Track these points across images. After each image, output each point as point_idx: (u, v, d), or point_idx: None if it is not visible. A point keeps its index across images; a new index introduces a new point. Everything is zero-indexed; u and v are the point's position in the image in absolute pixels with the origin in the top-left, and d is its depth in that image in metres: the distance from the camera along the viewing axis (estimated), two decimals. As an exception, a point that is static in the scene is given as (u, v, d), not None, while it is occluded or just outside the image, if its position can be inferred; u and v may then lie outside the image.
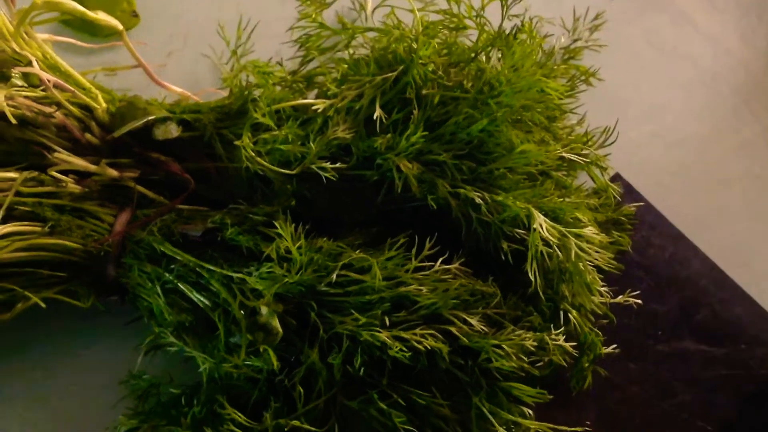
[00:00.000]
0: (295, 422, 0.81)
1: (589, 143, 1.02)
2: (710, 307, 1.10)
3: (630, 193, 1.13)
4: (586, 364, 0.97)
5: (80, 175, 0.92)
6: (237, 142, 0.85)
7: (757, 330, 1.09)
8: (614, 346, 1.00)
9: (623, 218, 1.07)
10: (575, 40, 1.11)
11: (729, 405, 1.05)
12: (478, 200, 0.86)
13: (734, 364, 1.07)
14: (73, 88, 0.94)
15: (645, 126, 1.20)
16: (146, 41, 1.09)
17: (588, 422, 1.01)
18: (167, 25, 1.14)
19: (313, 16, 0.99)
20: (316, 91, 0.98)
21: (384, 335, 0.81)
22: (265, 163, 0.85)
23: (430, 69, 0.88)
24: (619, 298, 1.02)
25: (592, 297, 0.93)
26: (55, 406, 0.98)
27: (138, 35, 1.10)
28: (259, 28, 1.00)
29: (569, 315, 0.92)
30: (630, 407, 1.04)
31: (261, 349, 0.83)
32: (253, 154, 0.84)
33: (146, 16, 1.13)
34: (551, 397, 0.88)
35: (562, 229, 0.87)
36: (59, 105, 0.92)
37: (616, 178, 1.13)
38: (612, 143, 1.02)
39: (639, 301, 1.03)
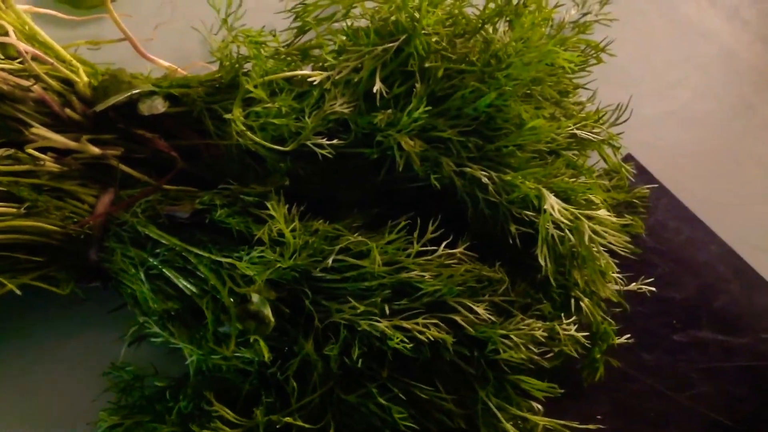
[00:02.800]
0: (288, 419, 0.77)
1: (601, 121, 0.97)
2: (729, 294, 1.05)
3: (642, 174, 1.09)
4: (599, 355, 0.93)
5: (60, 153, 0.88)
6: (227, 116, 0.81)
7: (777, 318, 1.05)
8: (628, 335, 0.96)
9: (636, 201, 1.04)
10: (585, 14, 1.07)
11: (749, 398, 1.01)
12: (485, 180, 0.83)
13: (755, 354, 1.03)
14: (52, 61, 0.90)
15: (658, 104, 1.17)
16: (132, 13, 1.04)
17: (600, 416, 0.97)
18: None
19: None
20: (311, 65, 0.93)
21: (384, 325, 0.78)
22: (257, 138, 0.80)
23: (433, 40, 0.84)
24: (633, 285, 0.98)
25: (606, 284, 0.89)
26: (34, 400, 0.94)
27: (123, 7, 1.05)
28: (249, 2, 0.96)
29: (581, 303, 0.88)
30: (645, 400, 1.00)
31: (252, 340, 0.79)
32: (245, 128, 0.80)
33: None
34: (562, 391, 0.85)
35: (575, 210, 0.83)
36: (38, 78, 0.88)
37: (628, 158, 1.09)
38: (625, 121, 0.97)
39: (653, 289, 0.99)
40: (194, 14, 1.05)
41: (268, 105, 0.80)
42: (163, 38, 1.07)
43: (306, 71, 0.83)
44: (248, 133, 0.80)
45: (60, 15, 1.03)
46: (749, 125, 1.17)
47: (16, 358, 0.94)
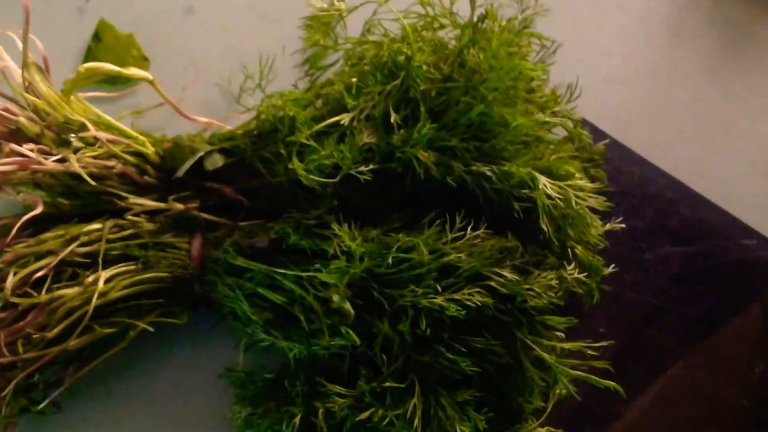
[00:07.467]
0: (387, 383, 0.96)
1: (558, 100, 1.17)
2: (679, 214, 1.25)
3: (596, 132, 1.27)
4: (594, 285, 1.12)
5: (149, 213, 1.05)
6: (290, 165, 0.99)
7: (718, 226, 1.26)
8: (612, 265, 1.16)
9: (596, 156, 1.21)
10: (524, 9, 1.24)
11: (709, 291, 1.22)
12: (489, 173, 0.98)
13: (707, 257, 1.24)
14: (126, 140, 1.05)
15: (597, 72, 1.34)
16: (160, 79, 1.14)
17: (601, 329, 1.18)
18: (176, 62, 1.27)
19: (320, 40, 1.14)
20: (320, 99, 1.11)
21: (439, 300, 0.94)
22: (313, 177, 0.98)
23: (424, 69, 1.00)
24: (608, 226, 1.16)
25: (591, 231, 1.09)
26: (163, 406, 1.15)
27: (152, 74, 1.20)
28: (253, 53, 1.16)
29: (575, 250, 1.07)
30: (631, 309, 1.20)
31: (344, 331, 0.96)
32: (304, 172, 0.99)
33: (153, 56, 1.26)
34: (576, 321, 1.03)
35: (560, 184, 1.01)
36: (116, 157, 1.04)
37: (584, 123, 1.24)
38: (578, 97, 1.16)
39: (623, 226, 1.18)
40: (211, 71, 1.24)
41: (323, 152, 0.99)
42: (190, 96, 1.23)
43: (337, 117, 1.02)
44: (304, 173, 0.99)
45: (104, 94, 1.19)
46: (670, 75, 1.36)
47: (151, 377, 1.15)
